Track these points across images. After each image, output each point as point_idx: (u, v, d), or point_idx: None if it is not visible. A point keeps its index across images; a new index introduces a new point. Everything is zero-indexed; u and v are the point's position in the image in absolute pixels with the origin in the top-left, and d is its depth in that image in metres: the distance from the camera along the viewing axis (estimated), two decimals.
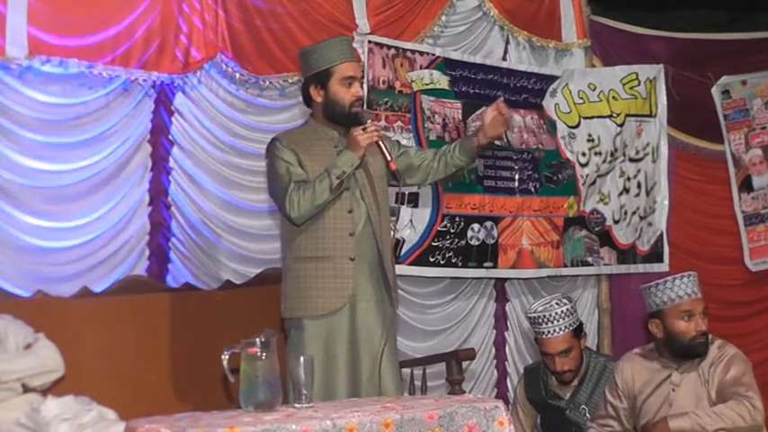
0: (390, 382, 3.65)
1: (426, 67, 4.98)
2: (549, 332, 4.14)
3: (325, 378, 3.50)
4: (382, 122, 4.78)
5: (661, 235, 5.66)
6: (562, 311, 4.15)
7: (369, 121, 3.62)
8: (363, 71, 4.70)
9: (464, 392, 4.19)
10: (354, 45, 4.59)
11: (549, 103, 5.40)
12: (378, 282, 3.68)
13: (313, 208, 3.59)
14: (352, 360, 3.62)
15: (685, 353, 3.82)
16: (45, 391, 3.49)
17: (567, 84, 5.41)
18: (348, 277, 3.62)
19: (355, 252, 3.64)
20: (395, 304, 3.82)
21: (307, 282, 3.65)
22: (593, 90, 5.49)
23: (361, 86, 4.63)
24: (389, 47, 4.85)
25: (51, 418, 3.27)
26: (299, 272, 3.68)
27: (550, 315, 4.13)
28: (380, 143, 3.62)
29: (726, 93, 5.99)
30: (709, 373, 3.77)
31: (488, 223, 5.12)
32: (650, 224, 5.64)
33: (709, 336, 3.85)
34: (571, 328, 4.16)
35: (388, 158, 3.61)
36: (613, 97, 5.53)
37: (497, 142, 5.14)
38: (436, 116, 4.99)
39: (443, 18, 5.14)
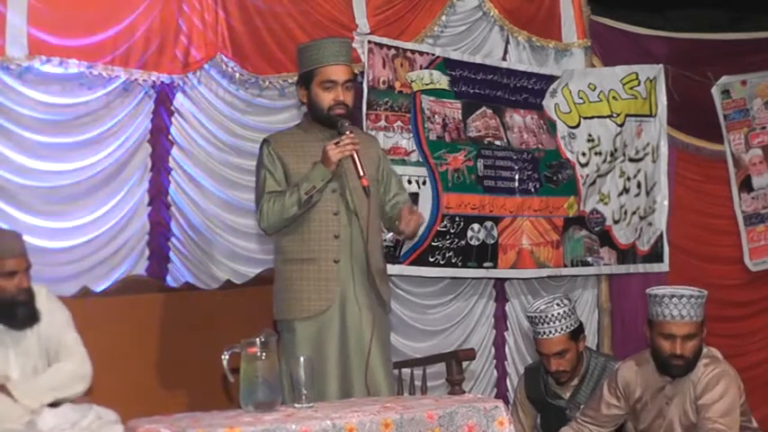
0: (383, 382, 3.65)
1: (426, 67, 4.98)
2: (545, 333, 4.15)
3: (315, 379, 3.50)
4: (382, 122, 4.78)
5: (661, 235, 5.65)
6: (560, 313, 4.15)
7: (346, 133, 3.60)
8: (363, 71, 4.71)
9: (464, 392, 4.19)
10: (354, 45, 4.60)
11: (549, 103, 5.40)
12: (366, 283, 3.68)
13: (281, 221, 3.62)
14: (343, 361, 3.62)
15: (661, 368, 3.83)
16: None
17: (566, 84, 5.41)
18: (332, 279, 3.62)
19: (341, 254, 3.64)
20: (386, 306, 3.82)
21: (294, 284, 3.67)
22: (593, 90, 5.49)
23: (361, 87, 4.65)
24: (389, 47, 4.85)
25: (48, 431, 3.28)
26: (286, 274, 3.70)
27: (548, 316, 4.14)
28: (355, 157, 3.58)
29: (726, 93, 5.98)
30: (693, 391, 3.77)
31: (488, 223, 5.12)
32: (650, 224, 5.63)
33: (702, 350, 3.83)
34: (568, 330, 4.15)
35: (361, 174, 3.58)
36: (613, 97, 5.53)
37: (495, 141, 5.16)
38: (436, 116, 4.99)
39: (443, 18, 5.13)
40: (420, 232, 4.85)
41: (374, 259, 3.70)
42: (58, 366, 3.52)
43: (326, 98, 3.67)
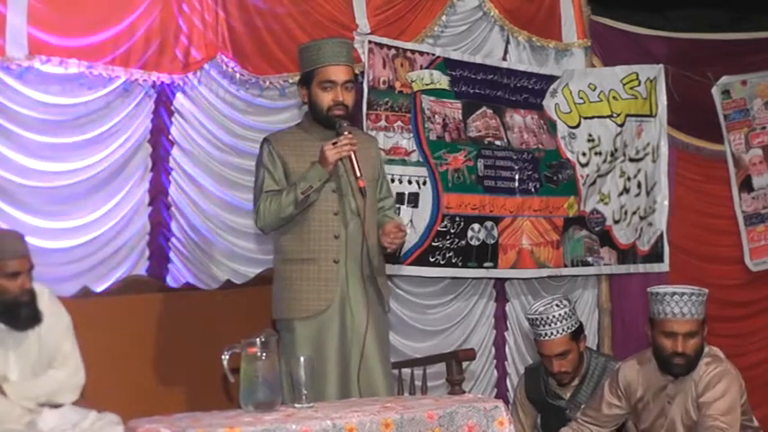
0: (381, 382, 3.64)
1: (426, 67, 4.98)
2: (546, 334, 4.15)
3: (315, 379, 3.49)
4: (382, 122, 4.78)
5: (661, 235, 5.65)
6: (560, 314, 4.15)
7: (344, 134, 3.59)
8: (364, 71, 4.71)
9: (464, 392, 4.19)
10: (354, 45, 4.60)
11: (549, 103, 5.39)
12: (367, 283, 3.67)
13: (278, 220, 3.64)
14: (343, 361, 3.62)
15: (663, 367, 3.83)
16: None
17: (567, 84, 5.41)
18: (332, 279, 3.63)
19: (340, 254, 3.64)
20: (386, 305, 3.80)
21: (293, 284, 3.68)
22: (594, 90, 5.49)
23: (362, 87, 4.65)
24: (390, 47, 4.85)
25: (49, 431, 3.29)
26: (285, 273, 3.71)
27: (549, 317, 4.13)
28: (352, 158, 3.57)
29: (726, 93, 5.98)
30: (695, 390, 3.77)
31: (488, 223, 5.12)
32: (650, 224, 5.63)
33: (704, 349, 3.84)
34: (569, 330, 4.15)
35: (358, 174, 3.57)
36: (614, 97, 5.53)
37: (495, 141, 5.16)
38: (436, 116, 4.99)
39: (443, 18, 5.13)
40: (424, 227, 4.86)
41: (376, 259, 3.71)
42: (50, 374, 3.52)
43: (326, 98, 3.68)
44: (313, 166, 3.60)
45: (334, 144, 3.56)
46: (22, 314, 3.44)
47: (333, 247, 3.65)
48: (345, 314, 3.64)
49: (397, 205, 4.78)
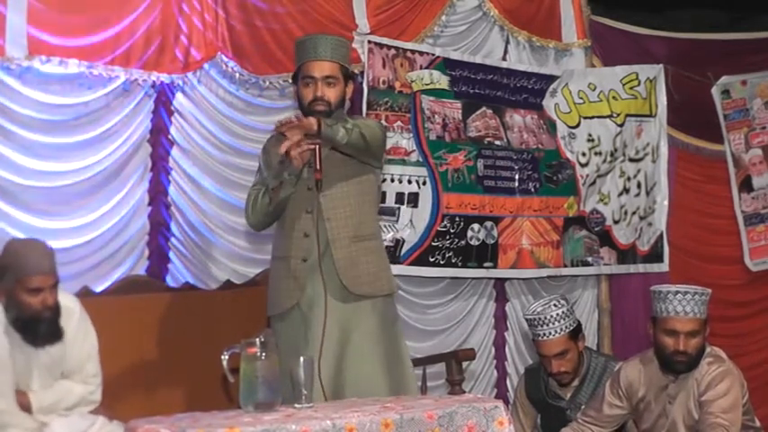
0: (380, 380, 3.58)
1: (426, 67, 4.98)
2: (544, 334, 4.15)
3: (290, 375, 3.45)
4: (382, 122, 4.78)
5: (661, 235, 5.65)
6: (558, 314, 4.14)
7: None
8: (364, 71, 4.71)
9: (464, 392, 4.19)
10: (354, 45, 4.62)
11: (549, 103, 5.40)
12: (339, 282, 3.61)
13: (260, 216, 3.65)
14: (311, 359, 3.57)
15: (664, 365, 3.84)
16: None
17: (566, 84, 5.41)
18: (299, 278, 3.59)
19: (310, 253, 3.59)
20: (373, 301, 3.69)
21: (271, 281, 3.72)
22: (593, 90, 5.49)
23: (361, 87, 4.66)
24: (389, 47, 4.85)
25: None
26: (271, 271, 3.76)
27: (546, 317, 4.13)
28: (317, 152, 3.44)
29: (726, 93, 5.98)
30: (697, 389, 3.77)
31: (488, 223, 5.12)
32: (650, 224, 5.63)
33: (706, 349, 3.84)
34: (567, 330, 4.15)
35: (317, 167, 3.46)
36: (613, 97, 5.53)
37: (495, 141, 5.17)
38: (436, 116, 4.99)
39: (443, 18, 5.14)
40: (424, 227, 4.84)
41: (341, 258, 3.63)
42: (72, 387, 3.54)
43: (307, 94, 3.64)
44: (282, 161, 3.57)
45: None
46: (41, 331, 3.42)
47: (303, 246, 3.62)
48: (312, 314, 3.57)
49: (397, 205, 4.80)
